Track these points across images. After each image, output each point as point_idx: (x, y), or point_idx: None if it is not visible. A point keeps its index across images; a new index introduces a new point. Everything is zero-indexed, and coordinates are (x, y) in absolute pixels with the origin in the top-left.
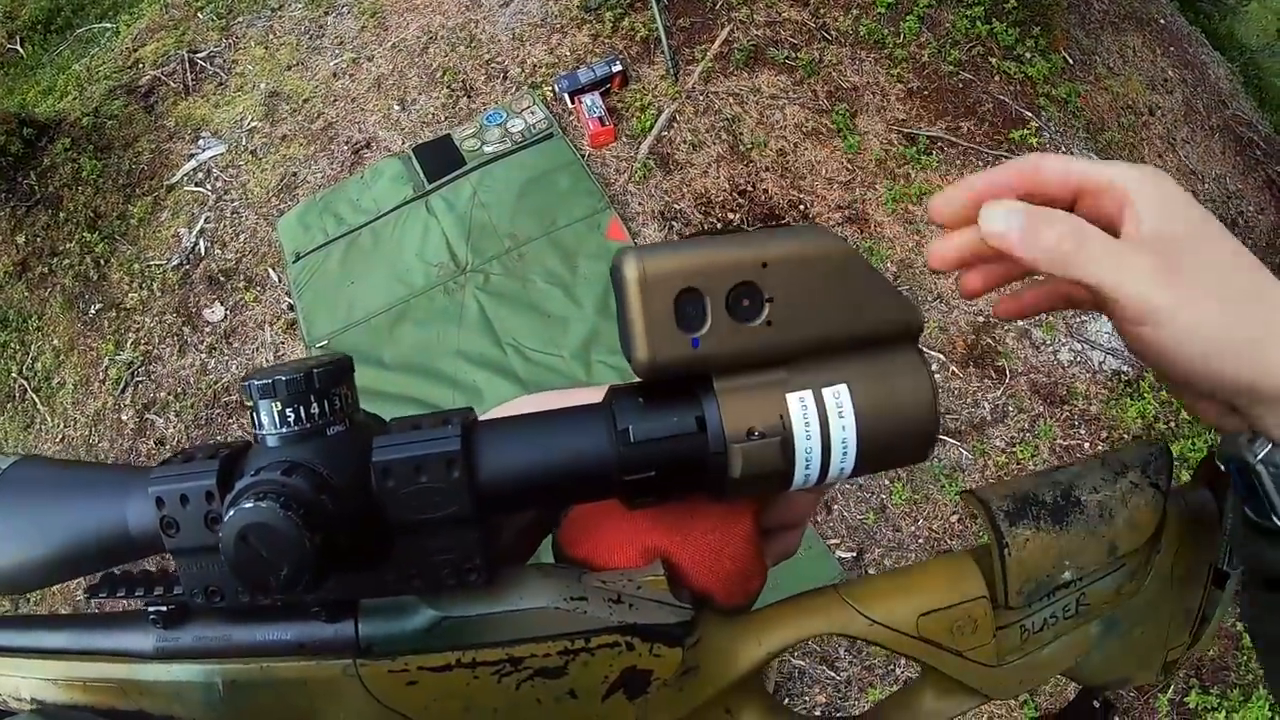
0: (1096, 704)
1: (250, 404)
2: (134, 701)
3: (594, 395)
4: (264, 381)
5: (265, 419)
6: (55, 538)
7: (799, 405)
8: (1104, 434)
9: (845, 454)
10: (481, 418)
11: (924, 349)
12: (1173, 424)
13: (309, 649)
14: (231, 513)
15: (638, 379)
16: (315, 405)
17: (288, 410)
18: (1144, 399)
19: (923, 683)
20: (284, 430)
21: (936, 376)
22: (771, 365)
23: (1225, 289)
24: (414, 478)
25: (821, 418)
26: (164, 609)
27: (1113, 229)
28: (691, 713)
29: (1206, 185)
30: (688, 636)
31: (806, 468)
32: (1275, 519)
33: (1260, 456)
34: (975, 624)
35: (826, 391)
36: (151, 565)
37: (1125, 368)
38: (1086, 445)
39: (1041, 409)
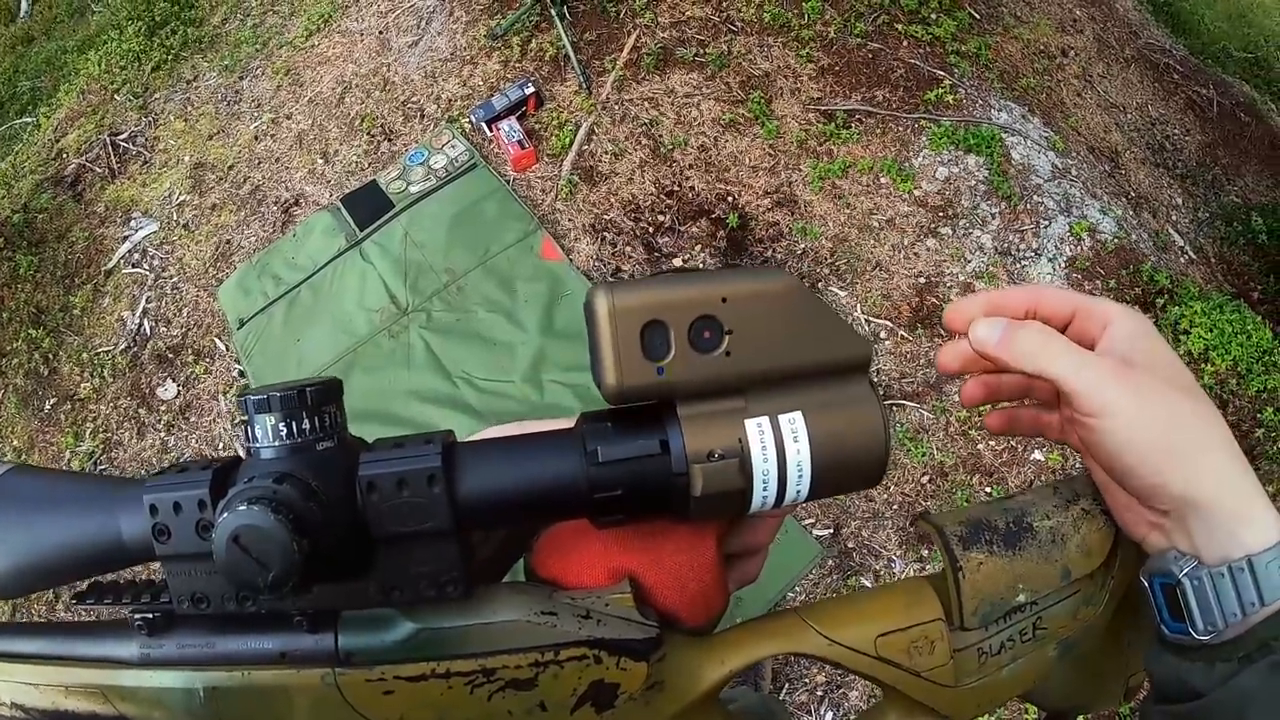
0: None
1: (245, 418)
2: (115, 707)
3: (565, 425)
4: (259, 397)
5: (259, 432)
6: (48, 544)
7: (756, 430)
8: None
9: (801, 476)
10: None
11: (872, 318)
12: None
13: (290, 658)
14: (224, 515)
15: (603, 404)
16: (306, 421)
17: (280, 425)
18: None
19: (886, 705)
20: (276, 443)
21: (885, 344)
22: (731, 394)
23: (1171, 406)
24: (397, 492)
25: (778, 442)
26: (150, 616)
27: (1091, 346)
28: None
29: (1130, 115)
30: (653, 652)
31: (764, 489)
32: (1192, 632)
33: (1185, 571)
34: (932, 645)
35: (783, 418)
36: (136, 576)
37: None
38: None
39: None
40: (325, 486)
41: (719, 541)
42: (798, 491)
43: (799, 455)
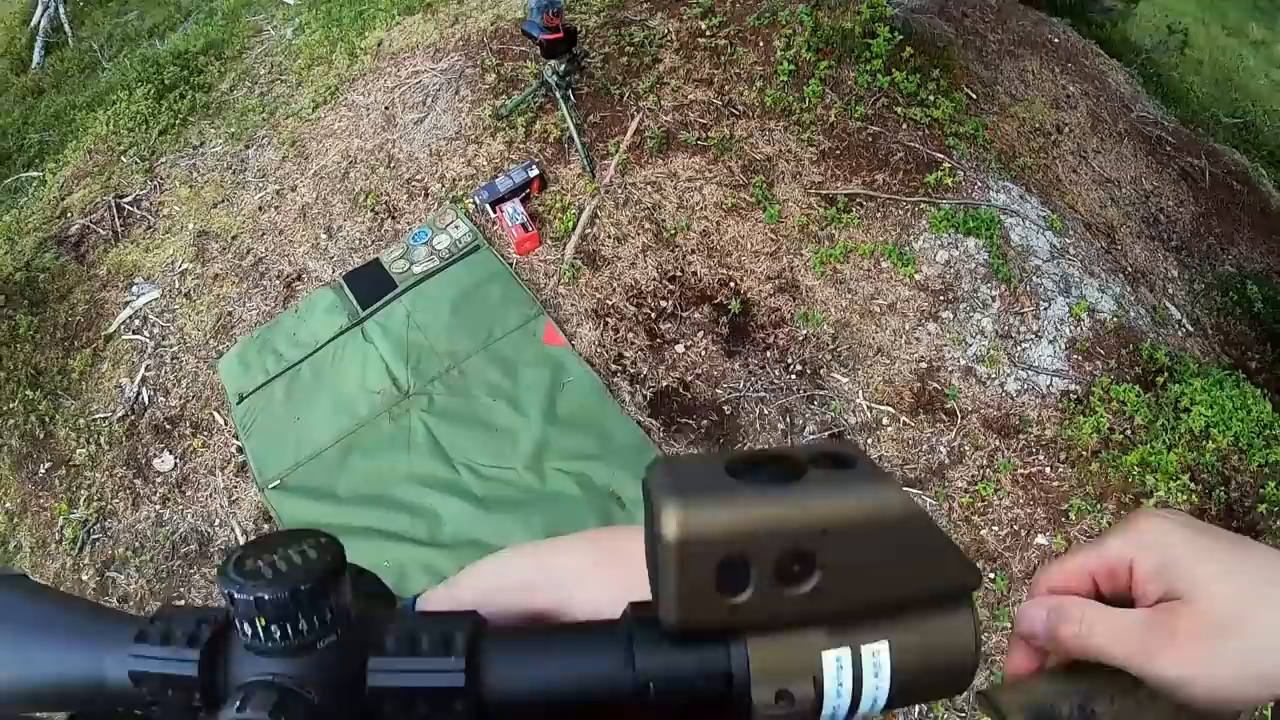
0: None
1: (231, 606)
2: None
3: (585, 549)
4: (246, 597)
5: (249, 629)
6: (34, 672)
7: (834, 664)
8: (1062, 454)
9: (874, 705)
10: (469, 569)
11: (874, 404)
12: (1127, 432)
13: None
14: None
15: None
16: (303, 621)
17: (273, 627)
18: (1096, 413)
19: None
20: (269, 645)
21: (888, 430)
22: (812, 624)
23: (1229, 641)
24: (412, 709)
25: (856, 677)
26: None
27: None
28: None
29: (1124, 189)
30: None
31: (832, 717)
32: None
33: None
34: None
35: (865, 649)
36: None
37: (1073, 386)
38: (1048, 469)
39: (997, 442)
40: (328, 696)
41: None
42: (864, 717)
43: (876, 691)
